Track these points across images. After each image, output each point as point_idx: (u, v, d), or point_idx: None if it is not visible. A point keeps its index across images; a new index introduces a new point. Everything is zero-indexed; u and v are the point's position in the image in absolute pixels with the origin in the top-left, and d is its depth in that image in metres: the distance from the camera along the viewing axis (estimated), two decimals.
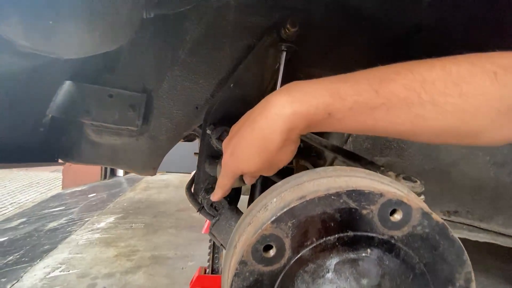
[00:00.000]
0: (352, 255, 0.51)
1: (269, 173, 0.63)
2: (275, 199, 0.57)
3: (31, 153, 1.15)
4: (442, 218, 1.32)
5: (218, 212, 0.98)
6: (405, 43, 1.09)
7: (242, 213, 1.01)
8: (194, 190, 1.09)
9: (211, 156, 1.02)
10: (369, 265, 0.51)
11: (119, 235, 3.04)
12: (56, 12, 0.63)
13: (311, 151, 1.85)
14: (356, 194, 0.49)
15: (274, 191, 0.60)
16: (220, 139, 0.94)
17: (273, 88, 1.03)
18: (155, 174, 1.27)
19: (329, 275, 0.50)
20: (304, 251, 0.50)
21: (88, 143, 1.26)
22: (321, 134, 1.78)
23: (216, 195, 0.76)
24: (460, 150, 1.16)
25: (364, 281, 0.50)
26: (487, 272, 2.69)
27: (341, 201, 0.49)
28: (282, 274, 0.49)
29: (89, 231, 3.18)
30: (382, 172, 0.83)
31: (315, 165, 1.74)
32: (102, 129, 1.18)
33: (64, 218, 3.68)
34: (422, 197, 0.76)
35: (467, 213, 1.19)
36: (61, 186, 5.87)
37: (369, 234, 0.50)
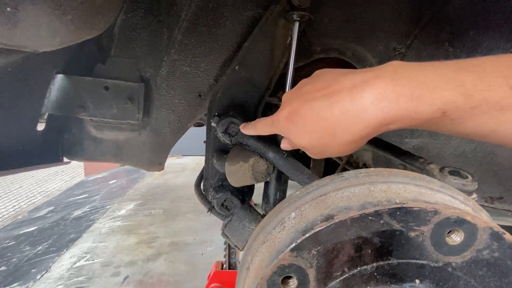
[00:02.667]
0: None
1: (313, 156, 0.53)
2: (293, 214, 0.46)
3: (34, 155, 1.09)
4: (483, 205, 1.13)
5: (230, 212, 0.89)
6: (445, 1, 0.90)
7: (256, 211, 0.92)
8: (203, 187, 1.00)
9: (219, 150, 0.92)
10: None
11: (139, 222, 3.11)
12: None
13: None
14: (401, 213, 0.38)
15: (292, 203, 0.49)
16: (227, 132, 0.82)
17: (285, 67, 0.89)
18: (162, 169, 1.19)
19: None
20: (333, 284, 0.40)
21: (90, 139, 1.19)
22: None
23: (247, 130, 0.71)
24: None
25: None
26: None
27: (382, 222, 0.38)
28: None
29: (111, 219, 3.27)
30: (422, 165, 0.69)
31: None
32: (102, 125, 1.10)
33: (88, 206, 3.81)
34: (474, 195, 0.62)
35: None
36: (83, 174, 6.09)
37: (418, 261, 0.40)
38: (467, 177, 0.61)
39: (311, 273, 0.40)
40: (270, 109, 0.93)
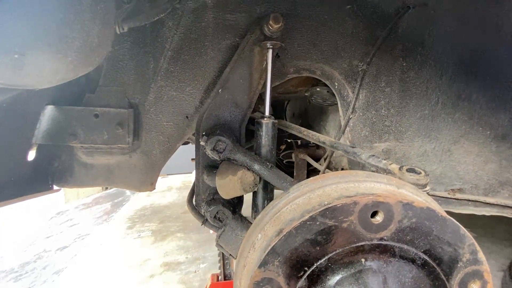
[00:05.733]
0: (348, 270, 0.49)
1: None
2: (260, 235, 0.54)
3: (24, 184, 1.11)
4: (447, 197, 1.28)
5: (222, 223, 0.96)
6: (395, 23, 1.05)
7: (247, 220, 0.99)
8: (195, 202, 1.06)
9: (208, 166, 1.00)
10: (368, 274, 0.49)
11: (128, 247, 3.05)
12: (20, 45, 0.58)
13: (309, 142, 1.83)
14: (330, 211, 0.46)
15: (258, 226, 0.57)
16: (215, 149, 0.91)
17: (264, 87, 1.00)
18: (154, 189, 1.24)
19: None
20: (301, 283, 0.48)
21: (81, 165, 1.22)
22: (318, 125, 1.75)
23: None
24: (461, 127, 1.14)
25: None
26: (494, 237, 2.74)
27: (318, 223, 0.47)
28: None
29: (98, 245, 3.18)
30: (385, 165, 0.80)
31: (314, 156, 1.72)
32: (93, 150, 1.14)
33: (72, 235, 3.67)
34: (428, 188, 0.73)
35: (472, 189, 1.19)
36: (64, 200, 5.83)
37: (358, 244, 0.48)
38: (420, 173, 0.72)
39: (281, 281, 0.47)
40: (253, 124, 1.02)
